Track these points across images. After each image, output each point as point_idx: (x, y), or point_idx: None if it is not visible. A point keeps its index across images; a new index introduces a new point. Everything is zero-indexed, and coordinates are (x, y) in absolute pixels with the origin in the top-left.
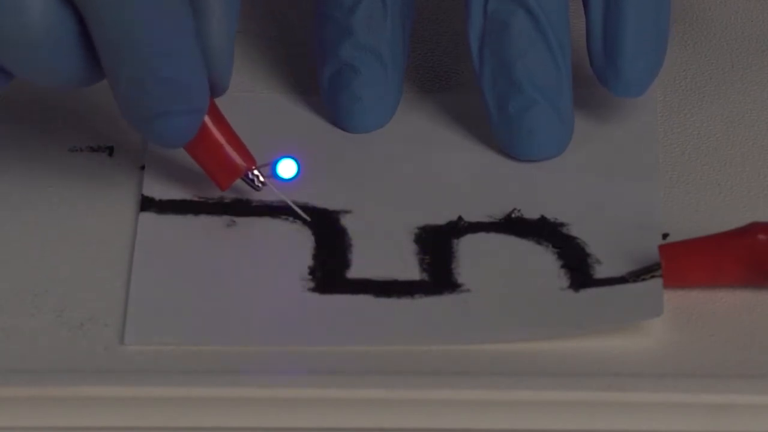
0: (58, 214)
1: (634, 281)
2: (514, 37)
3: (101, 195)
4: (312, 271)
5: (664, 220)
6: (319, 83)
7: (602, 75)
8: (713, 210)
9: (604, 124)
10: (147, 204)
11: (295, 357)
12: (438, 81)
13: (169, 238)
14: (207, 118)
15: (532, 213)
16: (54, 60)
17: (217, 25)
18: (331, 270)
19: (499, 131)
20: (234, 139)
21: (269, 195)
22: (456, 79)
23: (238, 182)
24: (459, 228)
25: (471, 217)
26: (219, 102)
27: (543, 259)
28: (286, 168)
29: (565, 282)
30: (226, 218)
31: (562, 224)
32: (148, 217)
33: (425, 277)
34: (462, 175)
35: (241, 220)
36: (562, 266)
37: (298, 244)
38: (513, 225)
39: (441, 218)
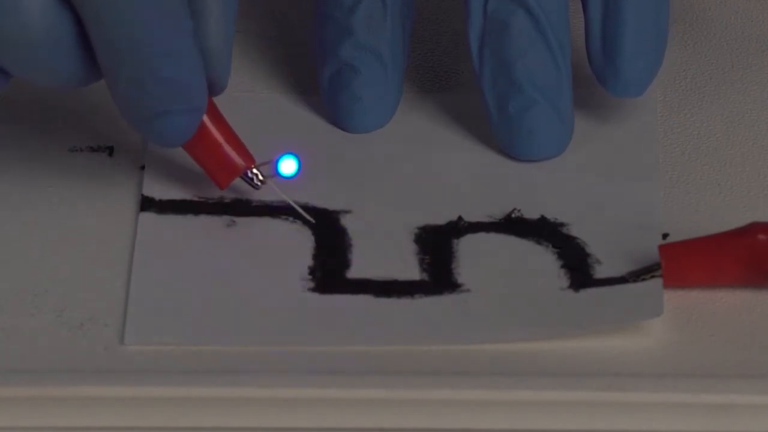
0: (58, 214)
1: (634, 281)
2: (513, 37)
3: (101, 195)
4: (312, 271)
5: (664, 220)
6: (319, 83)
7: (601, 75)
8: (713, 210)
9: (604, 124)
10: (147, 204)
11: (295, 357)
12: (438, 81)
13: (169, 238)
14: (206, 117)
15: (532, 213)
16: (52, 60)
17: (215, 26)
18: (331, 270)
19: (499, 131)
20: (233, 138)
21: (269, 195)
22: (456, 79)
23: (238, 182)
24: (459, 228)
25: (471, 217)
26: (219, 102)
27: (543, 259)
28: (288, 165)
29: (565, 282)
30: (226, 218)
31: (562, 224)
32: (148, 217)
33: (425, 277)
34: (462, 175)
35: (241, 220)
36: (562, 266)
37: (298, 244)
38: (513, 225)
39: (441, 218)
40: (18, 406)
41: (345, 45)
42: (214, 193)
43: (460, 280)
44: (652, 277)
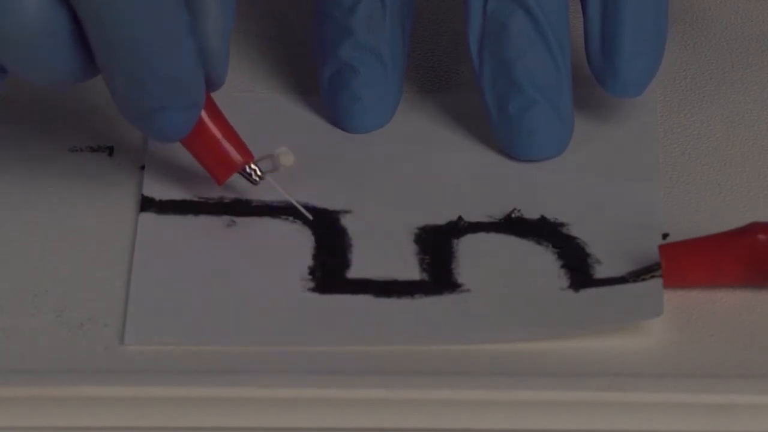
0: (58, 214)
1: (634, 281)
2: (513, 37)
3: (101, 195)
4: (312, 271)
5: (664, 220)
6: (319, 83)
7: (600, 75)
8: (713, 210)
9: (604, 124)
10: (147, 204)
11: (295, 357)
12: (438, 81)
13: (169, 238)
14: (203, 113)
15: (532, 213)
16: (50, 58)
17: (213, 24)
18: (331, 270)
19: (499, 131)
20: (231, 133)
21: (269, 195)
22: (456, 79)
23: (238, 182)
24: (459, 228)
25: (471, 217)
26: (220, 103)
27: (543, 259)
28: (285, 156)
29: (565, 282)
30: (226, 218)
31: (562, 224)
32: (148, 217)
33: (425, 277)
34: (462, 175)
35: (241, 220)
36: (562, 266)
37: (298, 244)
38: (513, 225)
39: (441, 218)
40: (18, 406)
41: (345, 45)
42: (214, 193)
43: (460, 280)
44: (652, 277)
